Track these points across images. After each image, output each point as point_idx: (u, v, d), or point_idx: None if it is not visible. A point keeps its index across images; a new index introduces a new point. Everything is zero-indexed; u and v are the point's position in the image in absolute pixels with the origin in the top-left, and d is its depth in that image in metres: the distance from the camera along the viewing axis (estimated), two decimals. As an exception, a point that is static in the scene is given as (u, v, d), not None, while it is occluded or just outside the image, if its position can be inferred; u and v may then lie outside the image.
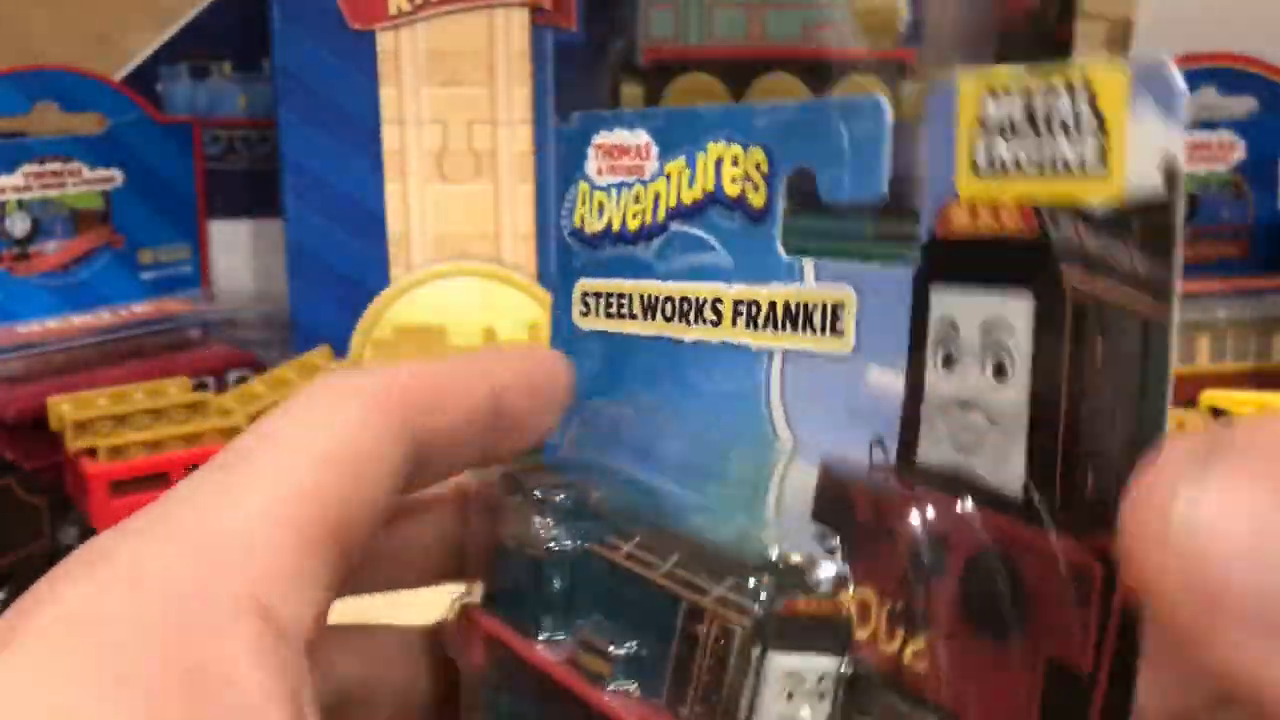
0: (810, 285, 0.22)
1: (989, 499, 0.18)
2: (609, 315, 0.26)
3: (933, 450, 0.19)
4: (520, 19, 0.63)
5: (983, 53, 0.70)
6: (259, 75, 0.70)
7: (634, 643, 0.21)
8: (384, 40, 0.62)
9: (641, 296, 0.25)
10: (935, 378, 0.19)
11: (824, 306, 0.21)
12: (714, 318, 0.24)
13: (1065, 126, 0.17)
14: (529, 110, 0.63)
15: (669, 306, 0.25)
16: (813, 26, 0.69)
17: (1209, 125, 0.67)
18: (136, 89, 0.67)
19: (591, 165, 0.27)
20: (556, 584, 0.23)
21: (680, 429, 0.24)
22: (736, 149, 0.23)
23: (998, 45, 0.71)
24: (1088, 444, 0.17)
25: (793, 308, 0.22)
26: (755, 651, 0.18)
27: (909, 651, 0.18)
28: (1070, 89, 0.17)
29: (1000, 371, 0.18)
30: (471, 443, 0.23)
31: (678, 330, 0.24)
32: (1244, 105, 0.67)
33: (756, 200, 0.23)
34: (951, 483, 0.18)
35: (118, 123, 0.66)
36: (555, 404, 0.25)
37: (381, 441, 0.21)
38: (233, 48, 0.70)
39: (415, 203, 0.62)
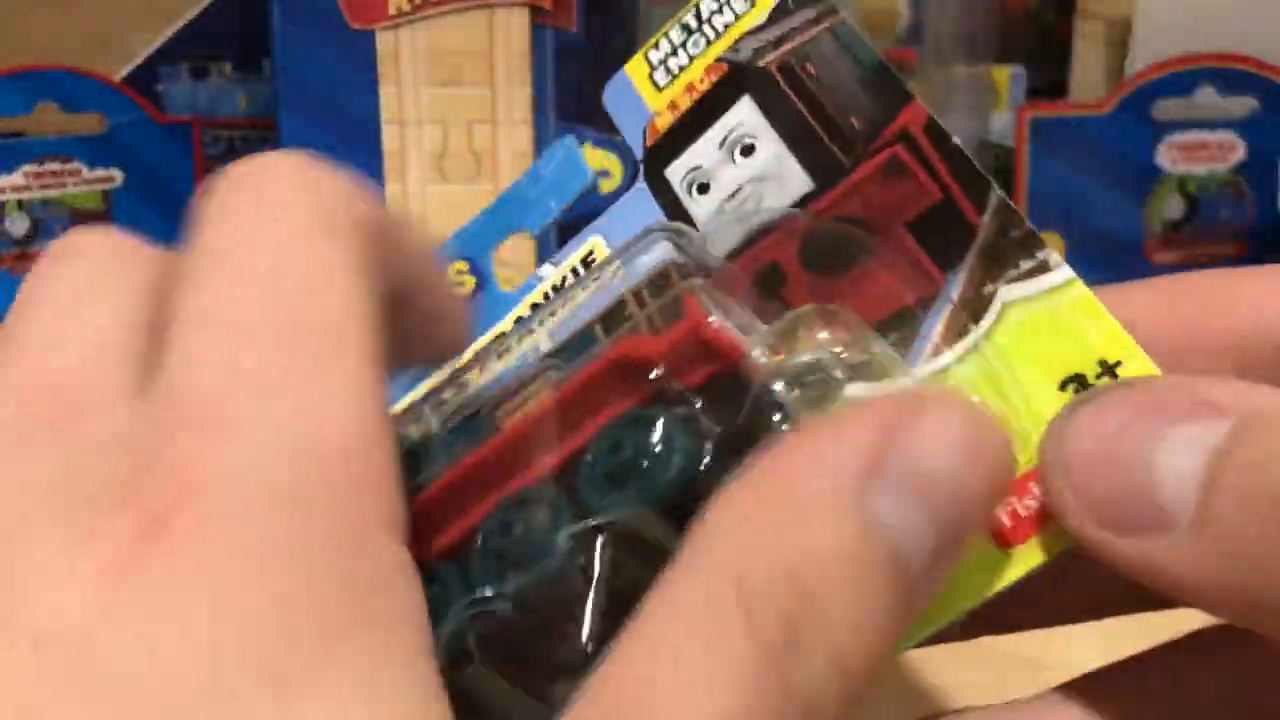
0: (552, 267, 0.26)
1: (789, 211, 0.22)
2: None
3: (722, 240, 0.22)
4: (520, 19, 0.63)
5: (983, 52, 0.70)
6: (259, 75, 0.70)
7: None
8: (384, 40, 0.62)
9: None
10: (700, 209, 0.23)
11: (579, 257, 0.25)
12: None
13: (715, 13, 0.23)
14: (529, 111, 0.63)
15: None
16: (812, 26, 0.69)
17: (1208, 125, 0.67)
18: (136, 89, 0.67)
19: None
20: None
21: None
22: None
23: (997, 45, 0.71)
24: (843, 117, 0.22)
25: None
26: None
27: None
28: None
29: (749, 150, 0.22)
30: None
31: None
32: (1244, 105, 0.67)
33: None
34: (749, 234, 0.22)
35: (118, 123, 0.66)
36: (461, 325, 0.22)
37: (377, 304, 0.18)
38: (233, 48, 0.70)
39: (415, 203, 0.62)
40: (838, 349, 0.19)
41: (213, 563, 0.14)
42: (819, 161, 0.21)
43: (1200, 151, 0.67)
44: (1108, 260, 0.66)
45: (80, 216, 0.66)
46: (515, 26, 0.63)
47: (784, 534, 0.15)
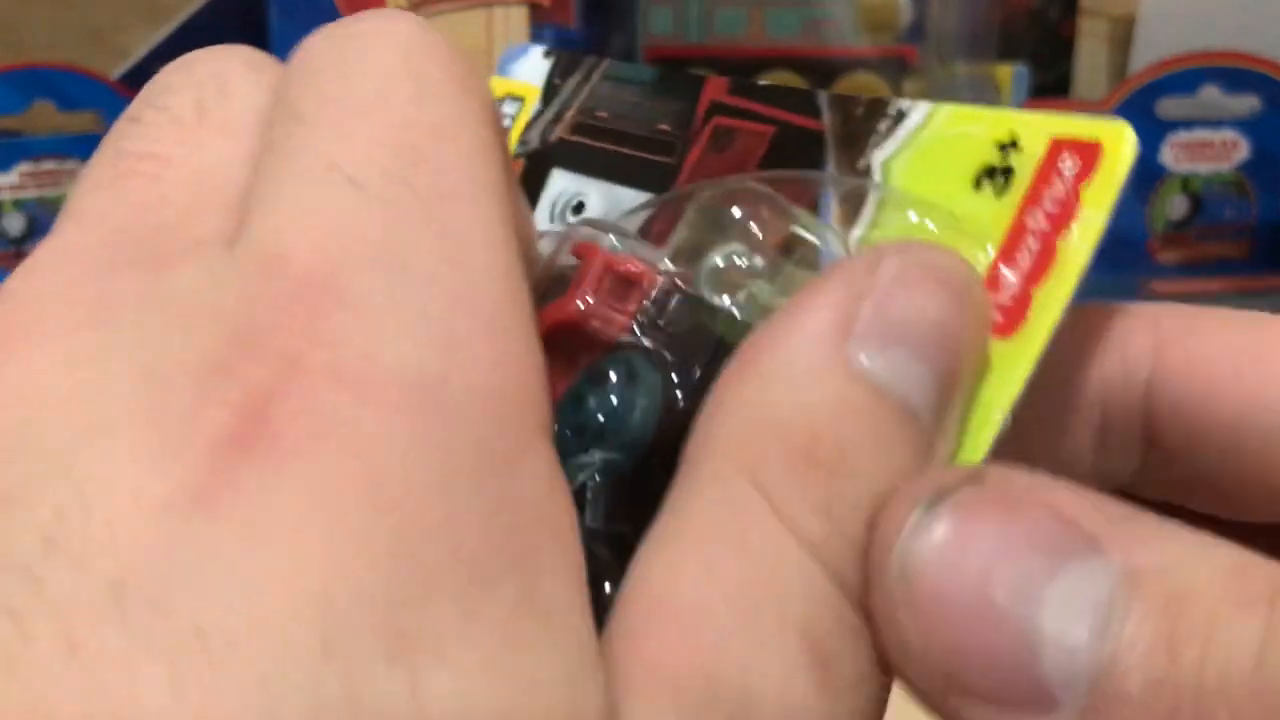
0: None
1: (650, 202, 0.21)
2: None
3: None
4: (519, 17, 0.62)
5: (985, 50, 0.70)
6: (256, 73, 0.69)
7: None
8: (382, 38, 0.61)
9: None
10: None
11: None
12: None
13: None
14: (528, 109, 0.63)
15: None
16: (813, 24, 0.68)
17: (1212, 124, 0.66)
18: (133, 88, 0.67)
19: None
20: None
21: None
22: None
23: (1000, 43, 0.70)
24: (651, 130, 0.21)
25: None
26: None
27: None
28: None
29: (580, 207, 0.22)
30: None
31: None
32: (1247, 104, 0.66)
33: None
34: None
35: (114, 121, 0.66)
36: None
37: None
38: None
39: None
40: (759, 233, 0.18)
41: (324, 483, 0.11)
42: (648, 176, 0.22)
43: (1204, 150, 0.66)
44: (1112, 259, 0.65)
45: (76, 215, 0.66)
46: (514, 24, 0.62)
47: (781, 412, 0.14)
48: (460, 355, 0.13)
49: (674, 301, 0.18)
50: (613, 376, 0.18)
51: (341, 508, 0.11)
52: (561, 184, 0.22)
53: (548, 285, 0.19)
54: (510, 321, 0.13)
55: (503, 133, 0.16)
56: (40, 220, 0.65)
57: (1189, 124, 0.66)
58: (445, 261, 0.13)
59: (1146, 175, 0.66)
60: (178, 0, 0.68)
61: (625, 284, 0.18)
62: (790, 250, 0.18)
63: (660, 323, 0.18)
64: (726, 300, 0.18)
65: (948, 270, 0.16)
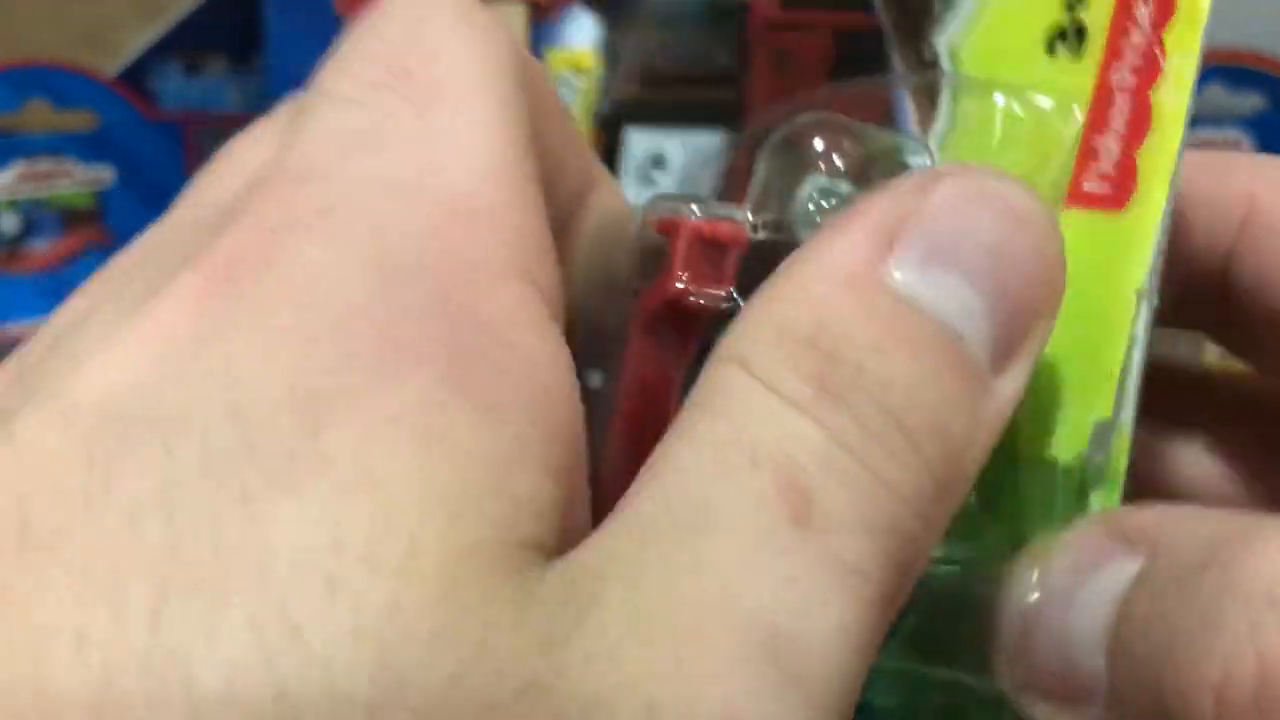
0: None
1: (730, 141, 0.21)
2: None
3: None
4: (519, 15, 0.62)
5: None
6: (252, 71, 0.69)
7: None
8: (379, 36, 0.61)
9: None
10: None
11: None
12: None
13: None
14: (526, 107, 0.63)
15: None
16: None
17: (1215, 123, 0.66)
18: (128, 86, 0.66)
19: None
20: None
21: None
22: None
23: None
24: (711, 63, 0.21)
25: None
26: None
27: None
28: None
29: (660, 161, 0.23)
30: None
31: None
32: (1251, 103, 0.66)
33: None
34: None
35: (109, 120, 0.65)
36: None
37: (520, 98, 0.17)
38: (226, 43, 0.69)
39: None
40: (839, 162, 0.18)
41: (258, 304, 0.14)
42: (716, 113, 0.21)
43: (1207, 150, 0.66)
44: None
45: (70, 215, 0.66)
46: (513, 24, 0.62)
47: (790, 310, 0.14)
48: (424, 206, 0.15)
49: (770, 253, 0.17)
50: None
51: (268, 320, 0.13)
52: (637, 141, 0.22)
53: (642, 265, 0.18)
54: (485, 178, 0.15)
55: (527, 62, 0.17)
56: (35, 220, 0.65)
57: (1192, 123, 0.66)
58: (422, 139, 0.15)
59: (1149, 174, 0.66)
60: (173, -2, 0.68)
61: (718, 249, 0.18)
62: (874, 171, 0.17)
63: (761, 278, 0.18)
64: None
65: (1006, 195, 0.15)
